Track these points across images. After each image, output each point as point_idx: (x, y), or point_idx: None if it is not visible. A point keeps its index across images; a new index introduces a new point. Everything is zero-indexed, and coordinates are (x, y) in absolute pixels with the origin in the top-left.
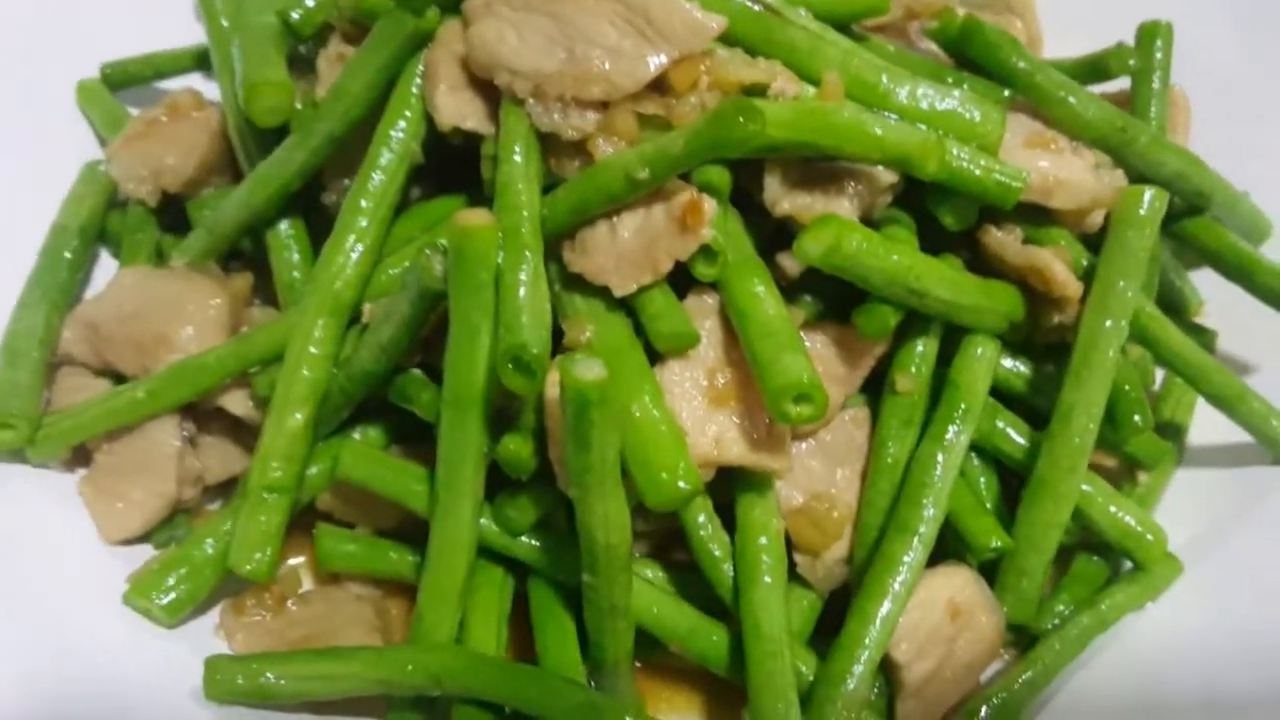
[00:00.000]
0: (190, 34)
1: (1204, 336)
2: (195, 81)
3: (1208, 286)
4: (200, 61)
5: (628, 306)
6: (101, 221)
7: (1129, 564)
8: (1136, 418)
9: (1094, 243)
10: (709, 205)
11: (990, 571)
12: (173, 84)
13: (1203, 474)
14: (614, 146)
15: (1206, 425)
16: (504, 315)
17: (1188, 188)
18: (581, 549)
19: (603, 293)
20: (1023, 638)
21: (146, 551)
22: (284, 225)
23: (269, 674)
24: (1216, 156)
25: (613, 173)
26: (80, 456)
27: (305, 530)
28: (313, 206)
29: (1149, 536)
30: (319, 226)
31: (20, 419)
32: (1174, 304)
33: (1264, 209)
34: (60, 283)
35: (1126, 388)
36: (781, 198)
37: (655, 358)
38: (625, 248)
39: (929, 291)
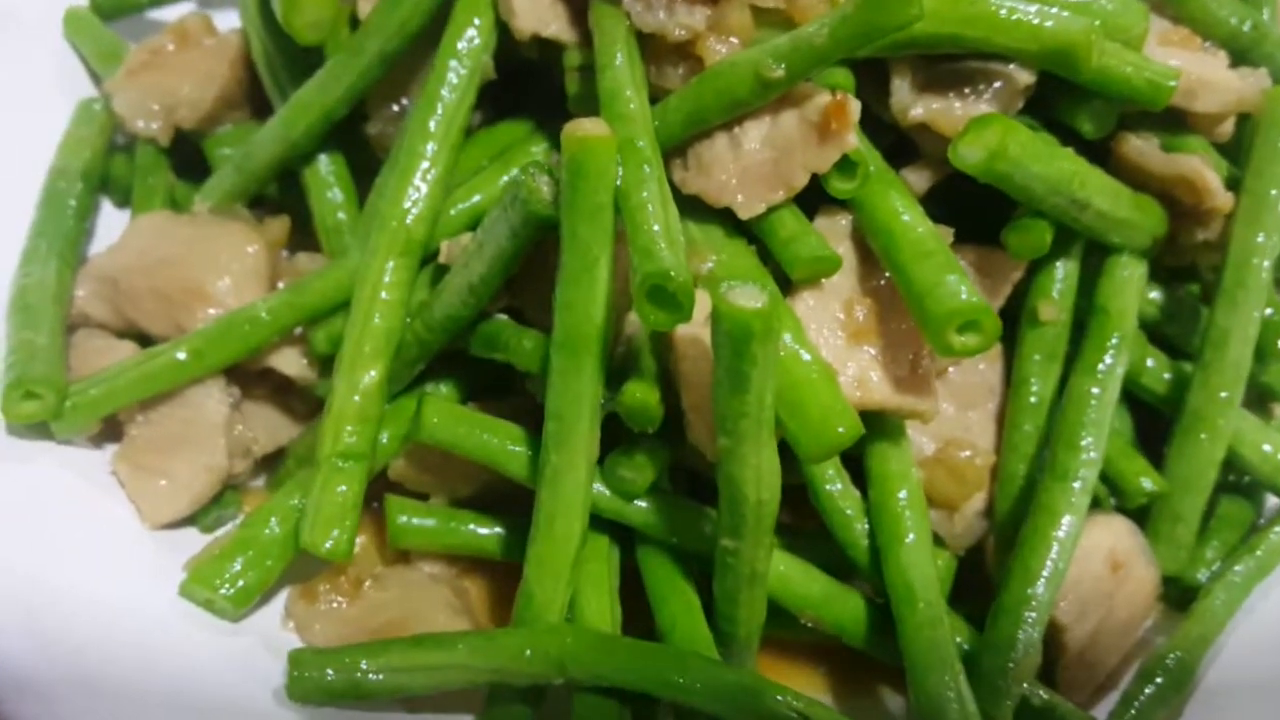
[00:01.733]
0: None
1: None
2: (195, 9)
3: None
4: None
5: (748, 233)
6: (104, 165)
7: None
8: None
9: (1225, 153)
10: (854, 106)
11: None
12: (169, 12)
13: None
14: (727, 47)
15: None
16: (638, 240)
17: None
18: (723, 507)
19: (722, 216)
20: (1172, 590)
21: (194, 536)
22: (324, 160)
23: (364, 667)
24: None
25: (740, 73)
26: (109, 430)
27: (366, 504)
28: (351, 140)
29: None
30: (359, 163)
31: (45, 387)
32: None
33: None
34: (66, 233)
35: (1270, 311)
36: (913, 102)
37: (785, 289)
38: (751, 161)
39: (1091, 202)
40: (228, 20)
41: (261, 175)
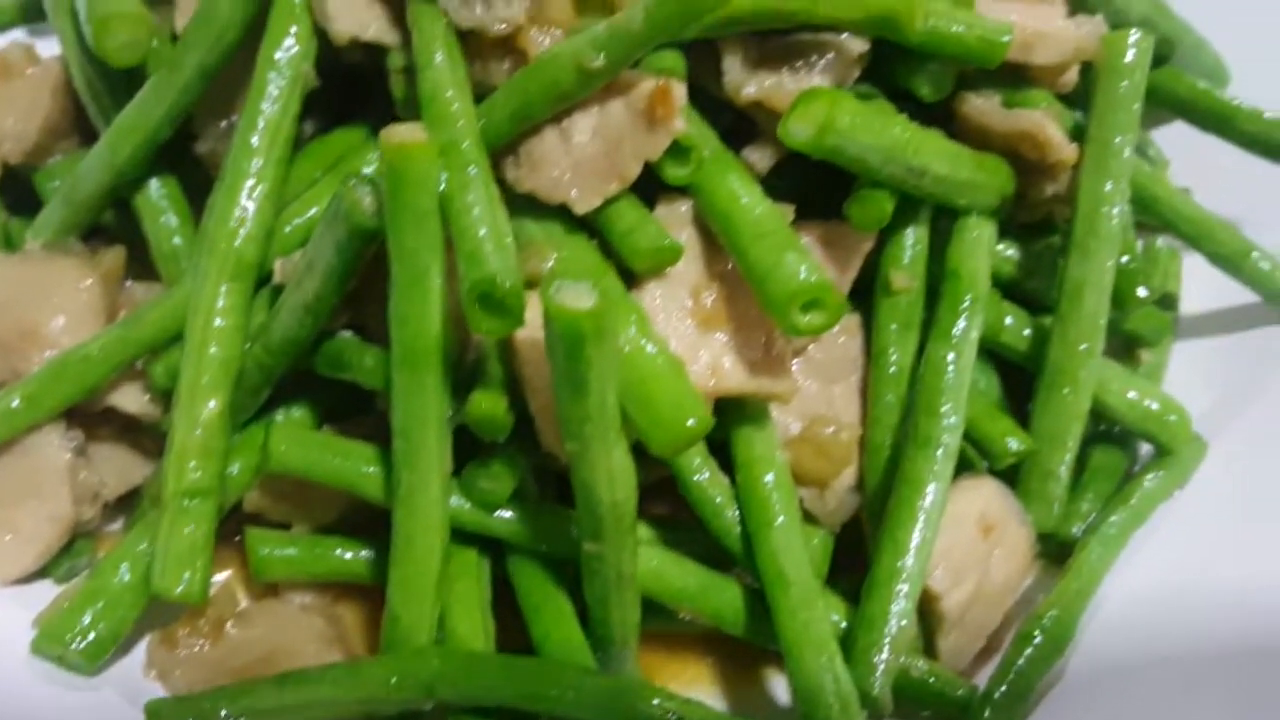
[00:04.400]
0: None
1: None
2: (19, 37)
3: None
4: (24, 14)
5: (589, 226)
6: None
7: (1147, 450)
8: (1141, 290)
9: (1070, 102)
10: (679, 91)
11: (1006, 479)
12: None
13: (1203, 345)
14: (549, 38)
15: (1195, 293)
16: (463, 245)
17: (1155, 34)
18: (580, 512)
19: (559, 212)
20: (1049, 546)
21: (47, 589)
22: (154, 185)
23: (223, 714)
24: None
25: (560, 65)
26: None
27: (228, 539)
28: (182, 161)
29: (1172, 417)
30: (192, 185)
31: None
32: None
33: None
34: None
35: (1125, 258)
36: (745, 80)
37: (630, 281)
38: (583, 155)
39: (928, 168)
40: (51, 47)
41: (92, 205)
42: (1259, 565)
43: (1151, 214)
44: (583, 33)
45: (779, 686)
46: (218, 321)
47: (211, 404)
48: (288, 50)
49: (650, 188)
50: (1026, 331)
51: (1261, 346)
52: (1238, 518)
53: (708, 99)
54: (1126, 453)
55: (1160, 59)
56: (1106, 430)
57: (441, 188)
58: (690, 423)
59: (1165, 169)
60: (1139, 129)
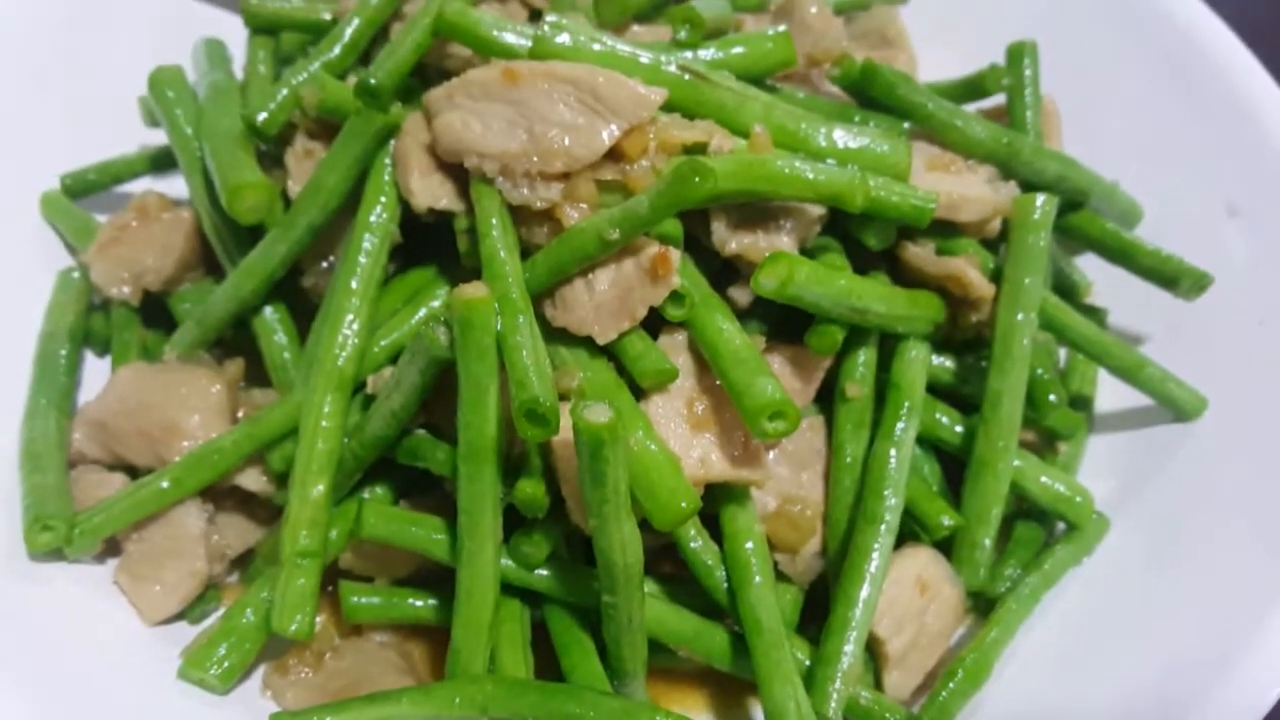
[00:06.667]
0: (129, 140)
1: (1097, 315)
2: (149, 183)
3: (1090, 269)
4: (154, 164)
5: (608, 352)
6: (85, 324)
7: (1062, 526)
8: (1052, 396)
9: (994, 246)
10: (675, 255)
11: (943, 548)
12: (130, 187)
13: (1112, 438)
14: (579, 212)
15: (1108, 394)
16: (514, 374)
17: (1069, 187)
18: (600, 572)
19: (585, 342)
20: (980, 603)
21: (185, 629)
22: (269, 311)
23: None
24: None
25: (586, 236)
26: (110, 548)
27: (323, 590)
28: (290, 290)
29: (1078, 499)
30: (298, 309)
31: (58, 520)
32: (1066, 288)
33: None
34: (60, 387)
35: (1040, 371)
36: (729, 239)
37: (638, 394)
38: (602, 300)
39: (869, 308)
40: (175, 185)
41: (219, 327)
42: (1152, 619)
43: (1060, 336)
44: (603, 211)
45: (758, 712)
46: (324, 423)
47: (319, 486)
48: (379, 215)
49: (654, 322)
50: (959, 429)
51: (1156, 440)
52: (1134, 580)
53: (700, 248)
54: (1044, 527)
55: (1076, 205)
56: (1028, 509)
57: (497, 329)
58: (684, 505)
59: (1089, 290)
60: (1046, 270)
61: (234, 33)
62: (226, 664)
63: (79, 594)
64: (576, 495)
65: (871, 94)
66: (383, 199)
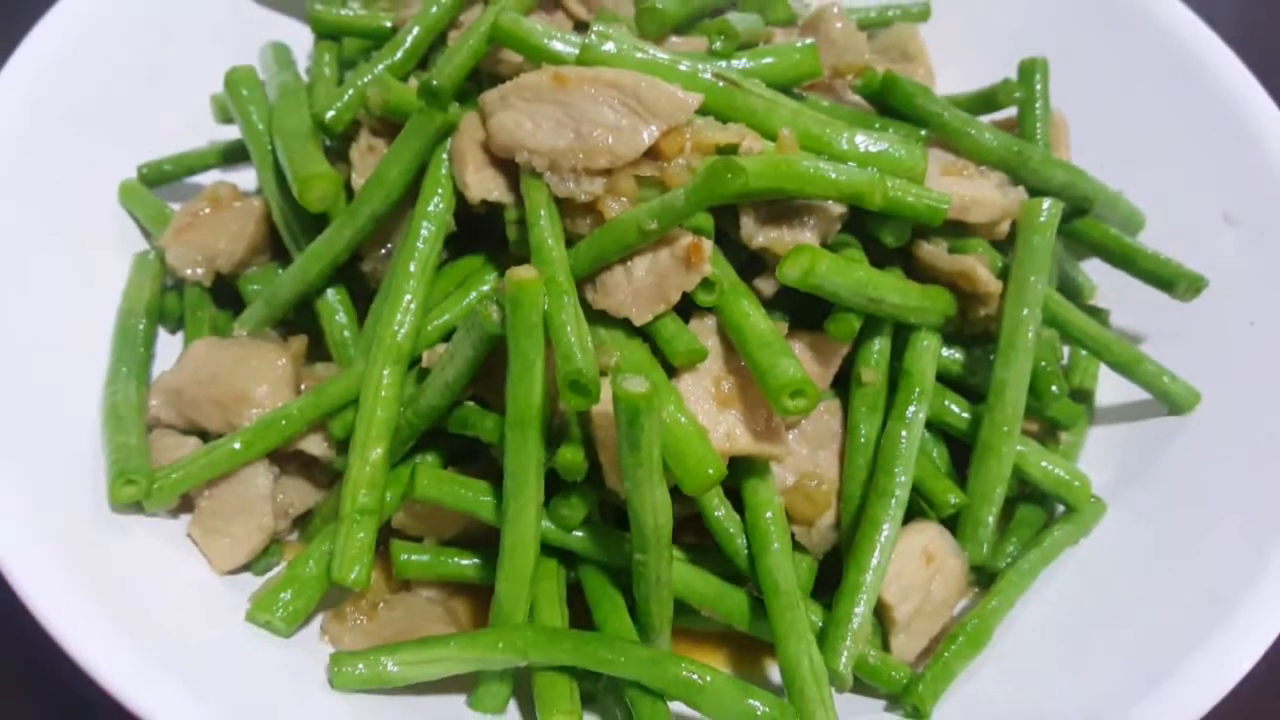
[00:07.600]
0: (200, 134)
1: (1100, 315)
2: (218, 174)
3: (1095, 274)
4: (224, 157)
5: (643, 333)
6: (160, 302)
7: (1061, 508)
8: (1054, 388)
9: (1003, 247)
10: (707, 245)
11: (950, 525)
12: (200, 179)
13: (1112, 429)
14: (619, 205)
15: (1109, 389)
16: (559, 348)
17: (1074, 195)
18: (632, 532)
19: (622, 324)
20: (983, 576)
21: (250, 579)
22: (330, 293)
23: (385, 662)
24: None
25: (626, 227)
26: (185, 504)
27: (376, 547)
28: (350, 274)
29: (1076, 483)
30: (356, 291)
31: (139, 475)
32: (1071, 290)
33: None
34: (139, 357)
35: (1043, 364)
36: (756, 233)
37: (670, 372)
38: (640, 285)
39: (884, 298)
40: (244, 175)
41: (285, 307)
42: (1140, 596)
43: (1063, 331)
44: (642, 205)
45: (774, 671)
46: (383, 393)
47: (377, 450)
48: (436, 205)
49: (686, 307)
50: (966, 415)
51: (1152, 432)
52: (1127, 561)
53: (729, 242)
54: (1046, 509)
55: (1081, 211)
56: (1030, 492)
57: (544, 308)
58: (710, 472)
59: (1093, 292)
60: (1050, 269)
61: (288, 37)
62: (291, 608)
63: (156, 544)
64: (613, 461)
65: (891, 103)
66: (440, 191)
